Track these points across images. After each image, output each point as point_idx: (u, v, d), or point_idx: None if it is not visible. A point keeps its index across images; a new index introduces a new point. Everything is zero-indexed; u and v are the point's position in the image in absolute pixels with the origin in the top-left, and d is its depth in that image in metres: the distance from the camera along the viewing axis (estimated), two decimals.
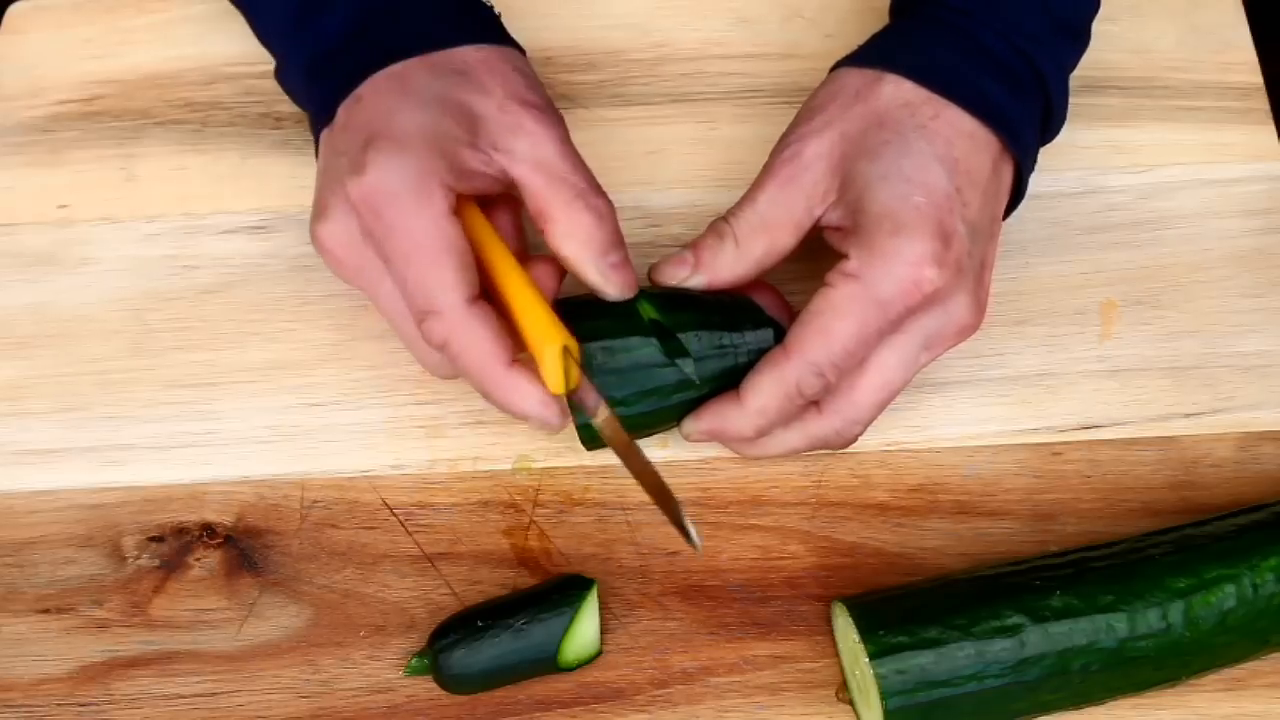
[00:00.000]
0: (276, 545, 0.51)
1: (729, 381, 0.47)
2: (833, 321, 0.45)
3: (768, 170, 0.48)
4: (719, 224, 0.48)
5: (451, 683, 0.47)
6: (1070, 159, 0.57)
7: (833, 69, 0.50)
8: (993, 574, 0.46)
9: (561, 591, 0.47)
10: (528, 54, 0.51)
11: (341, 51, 0.48)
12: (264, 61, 0.59)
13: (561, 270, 0.47)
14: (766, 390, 0.46)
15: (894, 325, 0.45)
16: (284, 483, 0.52)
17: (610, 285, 0.46)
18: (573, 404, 0.45)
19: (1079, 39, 0.53)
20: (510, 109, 0.46)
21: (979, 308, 0.47)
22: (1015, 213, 0.52)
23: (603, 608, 0.49)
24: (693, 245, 0.48)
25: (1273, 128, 0.58)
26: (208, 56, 0.61)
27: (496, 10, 0.51)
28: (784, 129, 0.49)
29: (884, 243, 0.44)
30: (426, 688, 0.48)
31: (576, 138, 0.48)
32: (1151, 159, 0.57)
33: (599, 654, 0.48)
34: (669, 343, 0.47)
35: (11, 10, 0.63)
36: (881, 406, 0.47)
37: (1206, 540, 0.46)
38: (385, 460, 0.52)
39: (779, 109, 0.58)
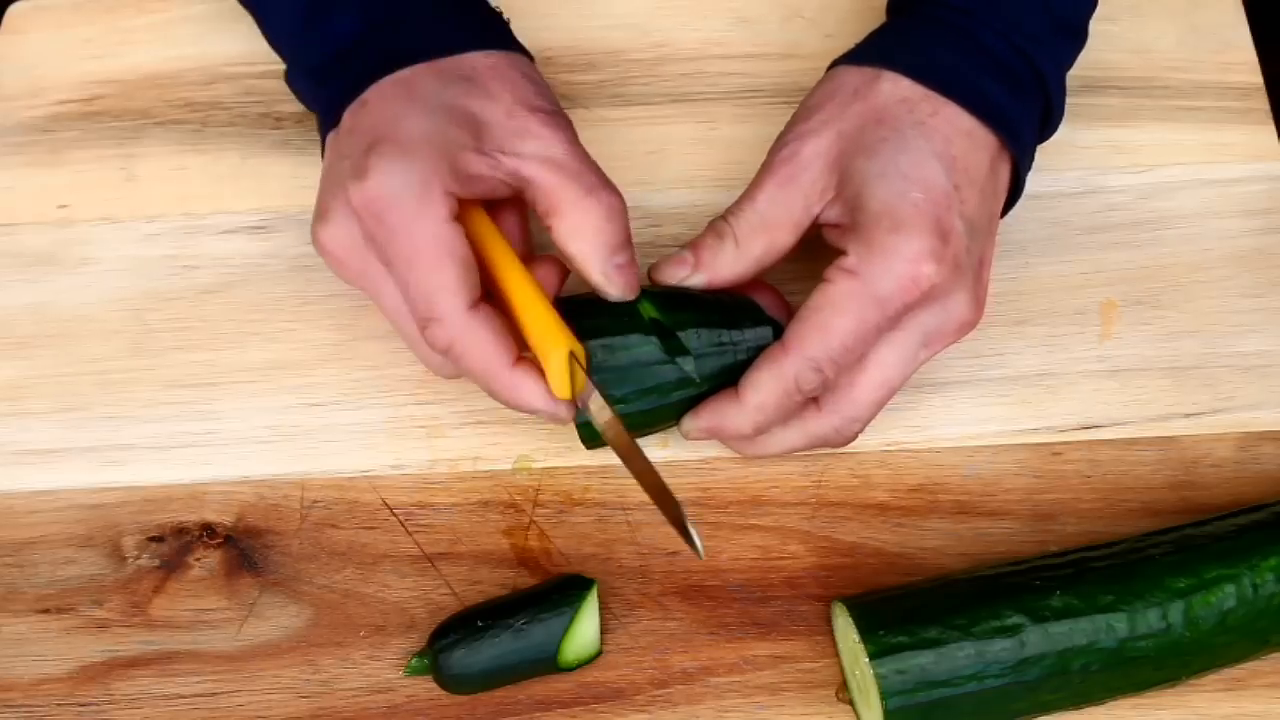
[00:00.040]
0: (276, 545, 0.51)
1: (728, 379, 0.47)
2: (831, 317, 0.45)
3: (766, 169, 0.48)
4: (718, 223, 0.48)
5: (451, 683, 0.47)
6: (1070, 159, 0.57)
7: (830, 67, 0.50)
8: (993, 574, 0.46)
9: (561, 591, 0.47)
10: None
11: (349, 54, 0.48)
12: (264, 61, 0.59)
13: (564, 270, 0.47)
14: (765, 386, 0.46)
15: (892, 322, 0.45)
16: (284, 483, 0.52)
17: (613, 286, 0.46)
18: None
19: (1078, 37, 0.53)
20: (518, 115, 0.46)
21: (977, 304, 0.47)
22: (1015, 212, 0.52)
23: (603, 608, 0.49)
24: (692, 245, 0.48)
25: (1273, 128, 0.58)
26: (208, 56, 0.61)
27: (506, 16, 0.51)
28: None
29: (882, 239, 0.44)
30: (426, 688, 0.48)
31: None
32: (1151, 159, 0.57)
33: (599, 654, 0.48)
34: (669, 341, 0.47)
35: (11, 10, 0.63)
36: (880, 404, 0.47)
37: (1206, 540, 0.46)
38: (385, 460, 0.52)
39: (779, 109, 0.58)
